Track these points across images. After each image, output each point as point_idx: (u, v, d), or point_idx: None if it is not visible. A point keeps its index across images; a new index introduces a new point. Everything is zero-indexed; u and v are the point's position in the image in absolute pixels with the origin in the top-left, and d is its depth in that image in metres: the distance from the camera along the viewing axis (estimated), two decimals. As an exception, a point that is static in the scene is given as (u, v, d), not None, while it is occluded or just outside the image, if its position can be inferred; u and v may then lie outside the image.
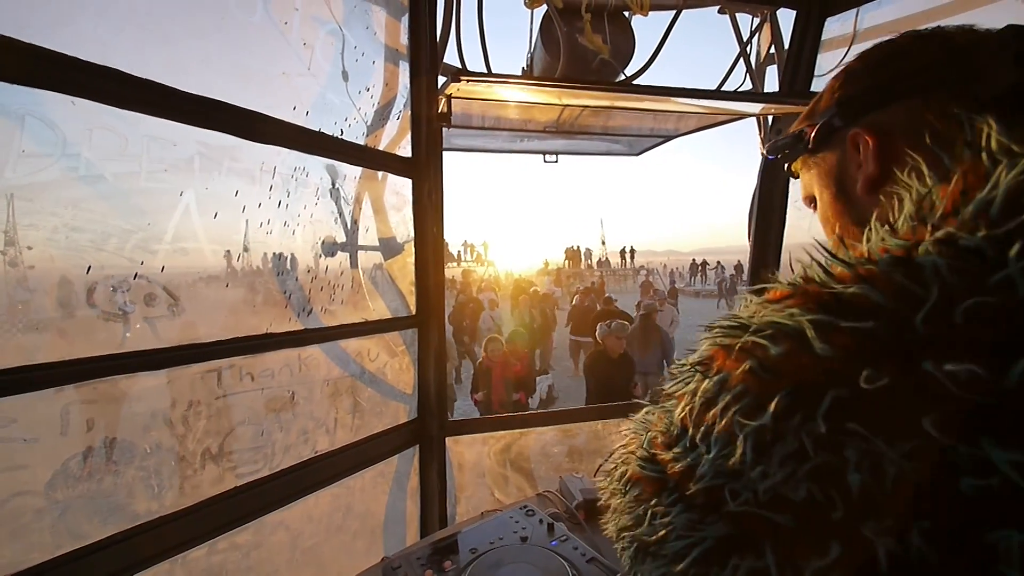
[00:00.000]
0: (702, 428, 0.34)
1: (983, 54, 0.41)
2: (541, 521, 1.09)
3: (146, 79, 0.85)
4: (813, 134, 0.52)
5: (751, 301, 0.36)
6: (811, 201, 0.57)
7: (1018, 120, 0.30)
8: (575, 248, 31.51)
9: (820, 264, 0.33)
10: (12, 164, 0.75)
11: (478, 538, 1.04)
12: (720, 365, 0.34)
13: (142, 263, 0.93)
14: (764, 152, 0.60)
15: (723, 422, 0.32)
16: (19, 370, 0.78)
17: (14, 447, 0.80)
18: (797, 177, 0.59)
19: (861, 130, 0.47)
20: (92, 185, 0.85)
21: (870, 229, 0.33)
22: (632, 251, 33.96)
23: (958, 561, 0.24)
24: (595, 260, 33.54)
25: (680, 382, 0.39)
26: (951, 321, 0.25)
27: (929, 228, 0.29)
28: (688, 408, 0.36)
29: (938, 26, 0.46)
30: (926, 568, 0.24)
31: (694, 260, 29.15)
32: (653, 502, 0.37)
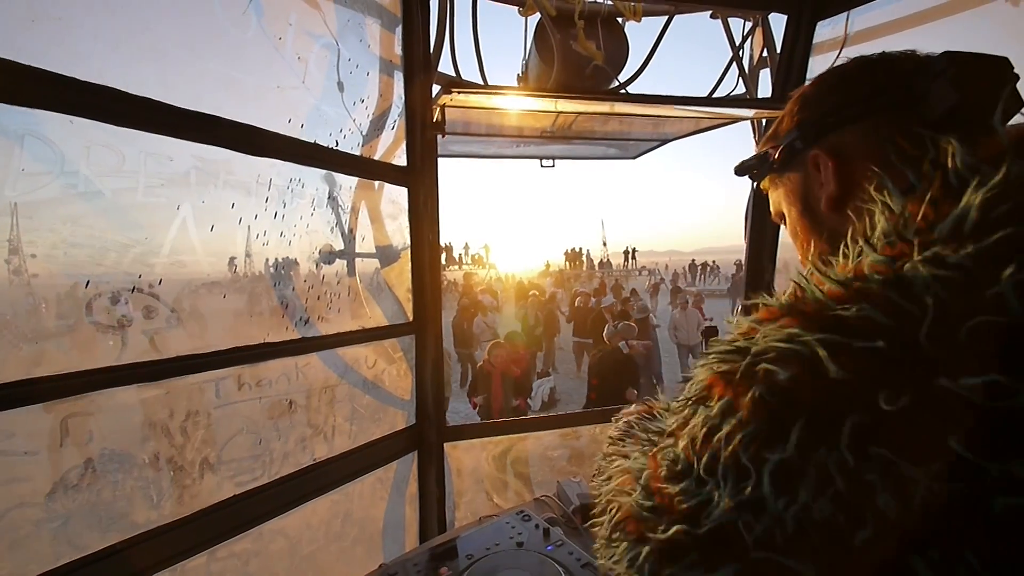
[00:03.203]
0: (705, 461, 0.32)
1: (924, 78, 0.43)
2: (537, 526, 1.10)
3: (142, 96, 0.87)
4: (776, 156, 0.54)
5: (740, 321, 0.36)
6: (780, 217, 0.60)
7: (969, 138, 0.31)
8: (576, 250, 31.56)
9: (810, 281, 0.32)
10: (12, 182, 0.76)
11: (474, 544, 1.05)
12: (721, 393, 0.33)
13: (140, 276, 0.94)
14: (733, 171, 0.63)
15: (729, 452, 0.30)
16: (18, 384, 0.79)
17: (14, 460, 0.81)
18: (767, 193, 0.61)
19: (820, 152, 0.49)
20: (90, 201, 0.87)
21: (846, 244, 0.33)
22: (634, 252, 33.94)
23: None
24: (597, 261, 33.56)
25: (679, 417, 0.37)
26: (955, 338, 0.25)
27: (916, 244, 0.29)
28: (691, 441, 0.34)
29: (883, 52, 0.49)
30: None
31: (693, 260, 29.14)
32: (647, 548, 0.35)
